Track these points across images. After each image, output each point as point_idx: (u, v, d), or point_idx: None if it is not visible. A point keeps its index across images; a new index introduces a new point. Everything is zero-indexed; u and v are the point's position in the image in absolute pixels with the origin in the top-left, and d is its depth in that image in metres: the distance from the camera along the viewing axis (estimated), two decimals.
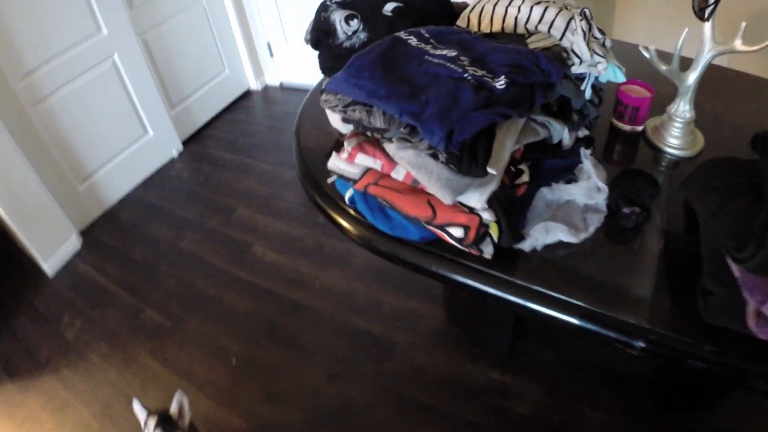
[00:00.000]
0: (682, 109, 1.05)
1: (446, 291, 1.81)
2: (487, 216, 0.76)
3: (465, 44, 0.84)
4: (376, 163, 0.80)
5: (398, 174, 0.78)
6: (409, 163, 0.75)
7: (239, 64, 3.21)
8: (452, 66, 0.77)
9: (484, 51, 0.82)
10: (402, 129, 0.72)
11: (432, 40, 0.85)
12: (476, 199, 0.75)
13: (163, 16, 2.61)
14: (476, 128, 0.69)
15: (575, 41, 0.92)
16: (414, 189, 0.78)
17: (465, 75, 0.75)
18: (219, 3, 2.94)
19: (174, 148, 2.80)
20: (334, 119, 1.09)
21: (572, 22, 0.94)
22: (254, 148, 2.81)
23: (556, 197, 0.90)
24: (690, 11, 0.96)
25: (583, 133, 1.01)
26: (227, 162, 2.72)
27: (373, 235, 0.88)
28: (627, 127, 1.11)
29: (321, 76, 1.18)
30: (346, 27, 1.06)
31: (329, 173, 0.90)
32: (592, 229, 0.86)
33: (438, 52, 0.81)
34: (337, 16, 1.07)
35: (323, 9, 1.10)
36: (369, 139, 0.82)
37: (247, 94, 3.29)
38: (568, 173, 0.94)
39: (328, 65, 1.13)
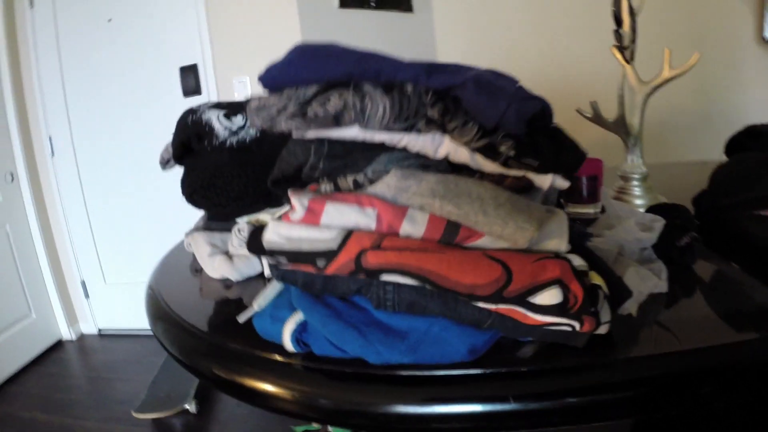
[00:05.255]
0: (637, 163, 0.94)
1: None
2: (579, 261, 0.42)
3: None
4: (366, 216, 0.42)
5: (413, 225, 0.42)
6: (435, 194, 0.40)
7: (48, 306, 2.55)
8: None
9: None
10: (429, 110, 0.39)
11: None
12: (556, 231, 0.43)
13: None
14: (540, 104, 0.41)
15: None
16: (449, 248, 0.42)
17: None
18: (25, 230, 2.43)
19: None
20: (217, 261, 0.72)
21: None
22: (73, 404, 2.08)
23: (605, 249, 0.62)
24: None
25: None
26: (39, 424, 1.98)
27: (367, 392, 0.46)
28: (590, 210, 0.91)
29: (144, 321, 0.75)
30: (227, 123, 0.77)
31: (227, 309, 0.53)
32: (665, 276, 0.59)
33: None
34: (213, 115, 0.78)
35: (190, 113, 0.80)
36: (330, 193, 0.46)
37: (59, 345, 2.57)
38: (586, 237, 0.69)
39: (199, 182, 0.78)
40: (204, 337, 0.62)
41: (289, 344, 0.49)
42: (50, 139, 2.42)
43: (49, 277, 2.53)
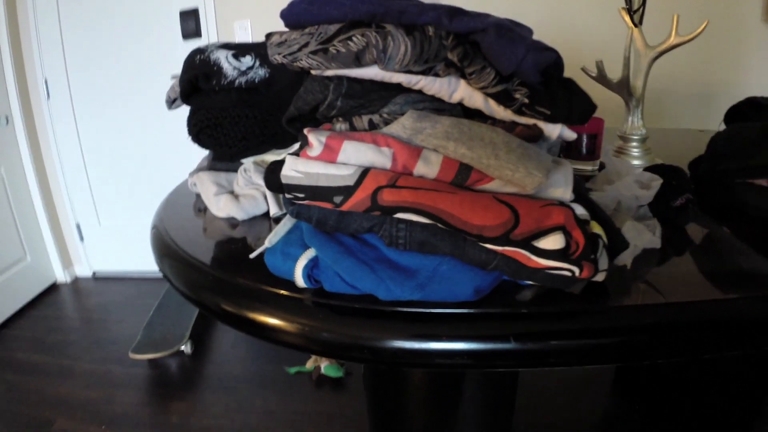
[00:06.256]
0: (637, 124, 0.95)
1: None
2: (581, 210, 0.44)
3: None
4: (382, 155, 0.44)
5: (428, 166, 0.43)
6: (449, 137, 0.42)
7: (44, 249, 2.57)
8: None
9: None
10: (449, 53, 0.40)
11: None
12: (562, 181, 0.44)
13: None
14: (555, 54, 0.42)
15: None
16: (460, 190, 0.44)
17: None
18: (20, 173, 2.42)
19: None
20: (223, 201, 0.73)
21: None
22: (70, 345, 2.12)
23: (604, 203, 0.64)
24: None
25: None
26: (37, 365, 2.01)
27: (376, 327, 0.48)
28: (588, 167, 0.93)
29: (142, 263, 0.76)
30: (236, 63, 0.76)
31: (233, 246, 0.56)
32: (659, 233, 0.62)
33: None
34: (221, 55, 0.78)
35: (198, 52, 0.79)
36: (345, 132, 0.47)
37: (53, 288, 2.60)
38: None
39: (206, 121, 0.78)
40: (212, 272, 0.63)
41: (300, 280, 0.52)
42: (46, 81, 2.38)
43: (43, 219, 2.54)
